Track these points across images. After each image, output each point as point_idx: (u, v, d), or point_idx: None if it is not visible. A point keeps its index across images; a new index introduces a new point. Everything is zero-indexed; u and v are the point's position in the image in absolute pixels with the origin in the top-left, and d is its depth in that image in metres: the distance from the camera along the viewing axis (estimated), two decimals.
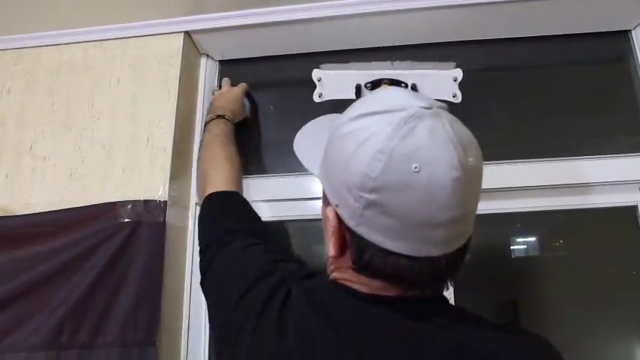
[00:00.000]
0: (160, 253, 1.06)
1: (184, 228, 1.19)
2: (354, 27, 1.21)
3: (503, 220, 1.22)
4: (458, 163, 0.52)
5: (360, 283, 0.60)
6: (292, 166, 1.22)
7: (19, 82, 1.27)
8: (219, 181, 0.95)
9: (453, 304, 1.00)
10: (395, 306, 0.58)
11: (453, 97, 1.10)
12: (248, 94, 1.32)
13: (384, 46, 1.29)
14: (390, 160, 0.52)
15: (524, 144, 1.21)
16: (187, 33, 1.25)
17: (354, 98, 1.12)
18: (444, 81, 1.11)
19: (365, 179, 0.53)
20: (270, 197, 1.24)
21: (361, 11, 1.15)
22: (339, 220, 0.58)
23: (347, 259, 0.60)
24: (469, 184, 0.54)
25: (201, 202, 0.93)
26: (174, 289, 1.13)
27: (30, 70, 1.28)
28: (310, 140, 0.75)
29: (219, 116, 1.12)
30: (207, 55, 1.36)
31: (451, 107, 1.09)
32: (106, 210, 1.09)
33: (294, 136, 0.80)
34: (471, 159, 0.54)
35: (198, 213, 0.92)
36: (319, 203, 0.69)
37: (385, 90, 0.65)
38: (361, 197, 0.54)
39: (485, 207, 1.14)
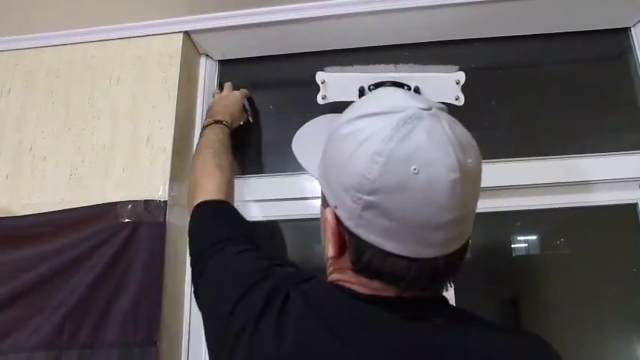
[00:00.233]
0: (161, 253, 1.06)
1: (185, 228, 1.16)
2: (354, 26, 1.21)
3: (504, 218, 1.22)
4: (457, 165, 0.52)
5: (360, 284, 0.59)
6: (293, 165, 1.22)
7: (19, 82, 1.27)
8: (209, 190, 0.93)
9: (454, 303, 1.00)
10: (393, 306, 0.58)
11: (456, 99, 1.10)
12: (249, 98, 1.31)
13: (385, 45, 1.29)
14: (388, 162, 0.52)
15: (525, 142, 1.21)
16: (187, 33, 1.25)
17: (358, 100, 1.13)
18: (446, 84, 1.12)
19: (363, 181, 0.53)
20: (271, 197, 1.24)
21: (361, 10, 1.15)
22: (338, 221, 0.58)
23: (346, 260, 0.60)
24: (468, 185, 0.54)
25: (190, 211, 0.91)
26: (175, 289, 1.13)
27: (30, 71, 1.28)
28: (308, 141, 0.75)
29: (217, 121, 1.11)
30: (207, 55, 1.36)
31: (452, 105, 1.10)
32: (107, 210, 1.09)
33: (294, 136, 0.80)
34: (469, 160, 0.54)
35: (189, 221, 0.90)
36: (319, 202, 0.69)
37: (384, 91, 0.65)
38: (359, 199, 0.54)
39: (485, 205, 1.15)
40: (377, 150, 0.52)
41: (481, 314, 0.63)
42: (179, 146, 1.18)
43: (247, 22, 1.19)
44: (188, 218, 0.91)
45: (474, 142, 0.58)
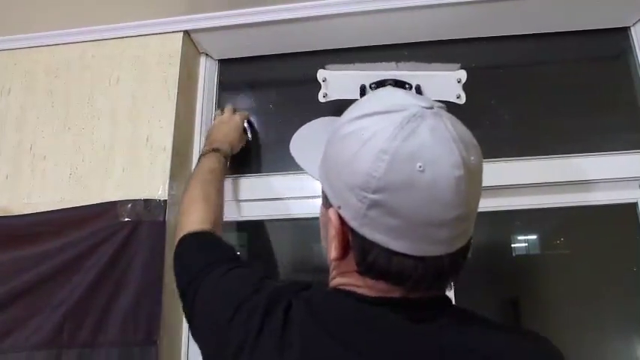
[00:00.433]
0: (161, 252, 1.06)
1: None
2: (355, 25, 1.21)
3: (504, 217, 1.22)
4: (461, 162, 0.52)
5: (366, 287, 0.59)
6: (292, 164, 1.21)
7: (18, 82, 1.27)
8: (193, 223, 0.92)
9: (454, 303, 1.00)
10: (399, 307, 0.57)
11: (457, 98, 1.10)
12: (249, 121, 1.30)
13: (385, 44, 1.29)
14: (393, 159, 0.52)
15: (525, 141, 1.21)
16: (187, 32, 1.25)
17: (359, 99, 1.13)
18: (448, 82, 1.12)
19: (368, 179, 0.53)
20: (270, 196, 1.24)
21: (361, 9, 1.15)
22: (342, 222, 0.58)
23: (350, 262, 0.59)
24: (472, 182, 0.54)
25: (175, 243, 0.90)
26: (175, 288, 1.12)
27: (29, 70, 1.28)
28: (306, 143, 0.75)
29: (214, 149, 1.10)
30: (207, 55, 1.36)
31: (452, 105, 1.10)
32: (106, 209, 1.09)
33: (293, 135, 0.80)
34: (472, 158, 0.55)
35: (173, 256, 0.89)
36: (318, 202, 0.69)
37: (384, 91, 0.65)
38: (365, 197, 0.53)
39: (486, 204, 1.14)
40: (382, 148, 0.52)
41: (482, 314, 0.63)
42: (179, 145, 1.18)
43: (247, 22, 1.19)
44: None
45: (474, 141, 0.58)
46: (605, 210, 1.18)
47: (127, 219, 1.07)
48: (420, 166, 0.51)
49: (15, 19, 1.23)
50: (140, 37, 1.25)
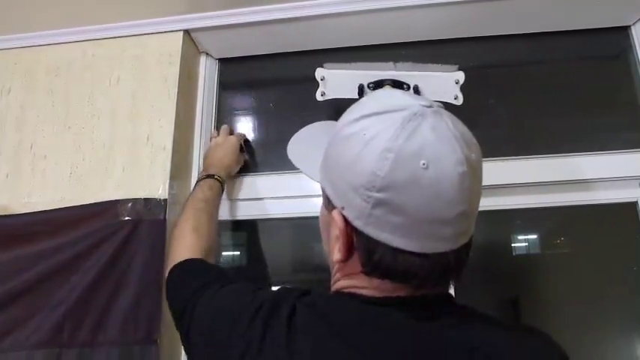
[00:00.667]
0: (161, 251, 1.05)
1: None
2: (354, 24, 1.21)
3: (504, 217, 1.21)
4: (464, 159, 0.53)
5: (372, 288, 0.59)
6: (292, 163, 1.21)
7: (18, 81, 1.27)
8: (181, 255, 0.91)
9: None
10: (405, 306, 0.57)
11: (455, 99, 1.11)
12: (245, 140, 1.29)
13: (385, 43, 1.29)
14: (397, 158, 0.52)
15: (524, 140, 1.21)
16: (187, 31, 1.25)
17: (357, 98, 1.13)
18: (446, 83, 1.12)
19: (373, 178, 0.53)
20: (270, 195, 1.24)
21: (361, 8, 1.15)
22: (346, 223, 0.58)
23: (355, 263, 0.59)
24: (474, 179, 0.55)
25: (166, 274, 0.89)
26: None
27: (29, 70, 1.28)
28: (305, 146, 0.75)
29: (209, 175, 1.10)
30: (207, 54, 1.36)
31: (452, 104, 1.10)
32: (107, 208, 1.09)
33: (294, 134, 0.80)
34: (473, 155, 0.55)
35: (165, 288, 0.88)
36: (317, 200, 0.69)
37: (383, 91, 0.65)
38: (369, 197, 0.54)
39: (486, 204, 1.14)
40: (386, 147, 0.53)
41: (483, 311, 0.63)
42: (179, 145, 1.18)
43: (247, 20, 1.20)
44: None
45: (474, 139, 0.58)
46: (605, 209, 1.18)
47: (127, 218, 1.08)
48: (424, 164, 0.52)
49: (15, 19, 1.23)
50: (140, 37, 1.25)
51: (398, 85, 1.12)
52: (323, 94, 1.17)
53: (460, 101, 1.10)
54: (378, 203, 0.53)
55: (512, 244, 1.23)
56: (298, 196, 1.22)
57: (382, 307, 0.58)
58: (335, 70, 1.16)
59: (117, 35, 1.26)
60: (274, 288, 0.70)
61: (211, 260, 0.96)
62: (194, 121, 1.30)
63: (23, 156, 1.20)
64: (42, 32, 1.28)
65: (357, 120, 0.58)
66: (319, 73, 1.16)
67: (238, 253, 1.29)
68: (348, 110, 0.62)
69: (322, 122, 0.81)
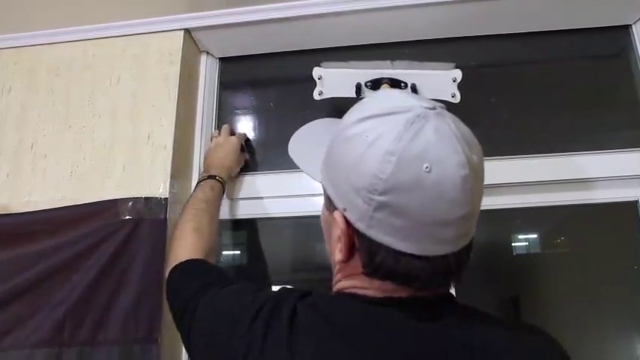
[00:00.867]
0: (161, 250, 1.05)
1: None
2: (355, 24, 1.21)
3: (504, 216, 1.21)
4: (466, 161, 0.53)
5: (373, 288, 0.59)
6: (293, 162, 1.21)
7: (19, 80, 1.27)
8: (182, 255, 0.91)
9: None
10: (406, 307, 0.57)
11: (452, 97, 1.11)
12: (247, 139, 1.29)
13: (385, 42, 1.29)
14: (400, 160, 0.52)
15: (524, 139, 1.21)
16: (187, 30, 1.25)
17: (354, 97, 1.13)
18: (443, 81, 1.12)
19: (375, 181, 0.53)
20: (270, 194, 1.24)
21: (361, 7, 1.15)
22: (347, 224, 0.58)
23: (356, 264, 0.59)
24: (476, 180, 0.55)
25: (167, 275, 0.89)
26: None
27: (30, 69, 1.28)
28: (306, 145, 0.75)
29: (210, 176, 1.10)
30: (208, 53, 1.36)
31: (452, 103, 1.10)
32: (107, 207, 1.09)
33: (294, 133, 0.80)
34: (475, 157, 0.55)
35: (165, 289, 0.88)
36: (318, 200, 0.68)
37: (385, 92, 0.64)
38: (371, 199, 0.53)
39: (486, 203, 1.14)
40: (388, 149, 0.52)
41: (484, 310, 0.63)
42: (180, 144, 1.18)
43: (248, 20, 1.20)
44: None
45: (476, 140, 0.58)
46: (605, 208, 1.18)
47: (127, 217, 1.08)
48: (427, 167, 0.52)
49: (16, 18, 1.23)
50: (141, 36, 1.25)
51: (395, 83, 1.12)
52: (320, 94, 1.17)
53: (457, 99, 1.10)
54: (380, 206, 0.53)
55: (513, 244, 1.23)
56: (299, 195, 1.22)
57: (383, 307, 0.58)
58: (332, 69, 1.16)
59: (117, 34, 1.26)
60: (275, 288, 0.69)
61: (212, 261, 0.96)
62: (195, 120, 1.30)
63: (24, 155, 1.20)
64: (42, 32, 1.28)
65: (359, 121, 0.57)
66: (316, 72, 1.16)
67: (239, 252, 1.30)
68: (350, 111, 0.62)
69: (323, 119, 0.81)
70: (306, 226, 1.27)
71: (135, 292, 1.03)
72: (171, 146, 1.15)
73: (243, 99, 1.38)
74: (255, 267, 1.26)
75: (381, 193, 0.53)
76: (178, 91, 1.19)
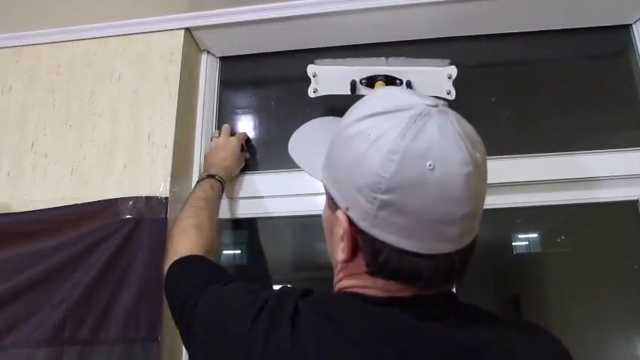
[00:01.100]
0: (162, 249, 1.05)
1: None
2: (355, 23, 1.21)
3: (505, 215, 1.21)
4: (469, 159, 0.53)
5: (376, 288, 0.58)
6: (293, 162, 1.21)
7: (19, 79, 1.27)
8: (182, 250, 0.90)
9: None
10: (410, 306, 0.57)
11: (447, 94, 1.11)
12: (247, 140, 1.29)
13: (384, 41, 1.29)
14: (403, 159, 0.52)
15: (525, 139, 1.21)
16: (188, 29, 1.25)
17: (349, 94, 1.13)
18: (438, 78, 1.12)
19: (378, 179, 0.52)
20: (270, 193, 1.24)
21: (361, 7, 1.15)
22: (350, 223, 0.57)
23: (359, 264, 0.59)
24: (479, 179, 0.54)
25: (166, 269, 0.88)
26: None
27: (31, 68, 1.28)
28: (306, 144, 0.74)
29: (210, 175, 1.10)
30: (208, 52, 1.36)
31: (453, 102, 1.11)
32: (108, 207, 1.09)
33: (294, 132, 0.79)
34: (478, 154, 0.55)
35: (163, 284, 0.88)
36: (318, 199, 0.68)
37: (386, 90, 0.64)
38: (374, 198, 0.53)
39: (486, 202, 1.14)
40: (391, 148, 0.52)
41: (487, 309, 0.63)
42: (180, 143, 1.18)
43: (249, 19, 1.20)
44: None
45: (479, 137, 0.58)
46: (606, 207, 1.18)
47: (128, 216, 1.08)
48: (430, 165, 0.51)
49: (17, 17, 1.23)
50: (141, 35, 1.25)
51: (390, 80, 1.12)
52: (315, 91, 1.17)
53: (453, 96, 1.10)
54: (384, 204, 0.53)
55: (513, 243, 1.23)
56: (299, 195, 1.22)
57: (386, 307, 0.57)
58: (327, 67, 1.16)
59: (118, 33, 1.26)
60: (276, 287, 0.69)
61: (212, 257, 0.96)
62: (195, 119, 1.30)
63: (24, 154, 1.20)
64: (43, 31, 1.28)
65: (361, 119, 0.57)
66: (311, 69, 1.16)
67: (239, 251, 1.30)
68: (352, 109, 0.62)
69: (323, 118, 0.80)
70: (307, 225, 1.27)
71: (135, 291, 1.03)
72: (172, 145, 1.15)
73: (243, 98, 1.38)
74: (255, 266, 1.26)
75: (384, 192, 0.52)
76: (179, 91, 1.19)
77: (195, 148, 1.27)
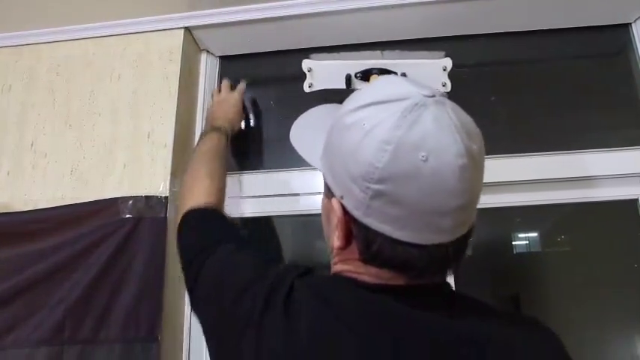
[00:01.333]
0: (162, 248, 1.06)
1: None
2: (355, 22, 1.21)
3: (505, 215, 1.22)
4: (464, 151, 0.52)
5: (368, 274, 0.59)
6: (293, 161, 1.22)
7: (19, 79, 1.27)
8: (198, 198, 0.92)
9: None
10: (403, 295, 0.57)
11: (443, 86, 1.11)
12: (254, 101, 1.30)
13: (383, 41, 1.29)
14: (396, 149, 0.52)
15: (525, 138, 1.21)
16: (187, 29, 1.25)
17: (345, 88, 1.13)
18: (433, 70, 1.12)
19: (371, 169, 0.53)
20: (270, 193, 1.24)
21: (361, 6, 1.15)
22: (345, 211, 0.58)
23: (353, 251, 0.59)
24: (475, 170, 0.54)
25: (179, 218, 0.89)
26: (176, 284, 1.13)
27: (30, 68, 1.28)
28: (307, 132, 0.74)
29: (214, 128, 1.10)
30: (208, 51, 1.36)
31: (452, 101, 1.11)
32: (107, 206, 1.09)
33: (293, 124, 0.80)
34: (475, 146, 0.54)
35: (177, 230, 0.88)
36: (319, 199, 0.68)
37: (385, 79, 0.64)
38: (368, 188, 0.53)
39: (486, 201, 1.14)
40: (385, 138, 0.52)
41: (482, 300, 0.64)
42: (180, 142, 1.18)
43: (248, 18, 1.20)
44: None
45: (477, 128, 0.58)
46: (605, 206, 1.18)
47: (128, 216, 1.08)
48: (424, 156, 0.51)
49: (16, 17, 1.23)
50: (141, 34, 1.25)
51: (385, 74, 1.12)
52: (310, 86, 1.17)
53: (448, 88, 1.10)
54: (377, 194, 0.53)
55: (513, 242, 1.23)
56: (299, 194, 1.22)
57: (378, 294, 0.58)
58: (322, 61, 1.16)
59: (118, 33, 1.26)
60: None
61: (222, 208, 0.97)
62: (195, 118, 1.30)
63: (24, 154, 1.20)
64: (42, 30, 1.28)
65: (357, 109, 0.57)
66: (306, 64, 1.16)
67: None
68: (349, 98, 0.62)
69: (326, 105, 0.80)
70: (307, 224, 1.27)
71: (135, 290, 1.03)
72: (172, 144, 1.15)
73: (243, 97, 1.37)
74: None
75: (377, 182, 0.53)
76: (178, 90, 1.19)
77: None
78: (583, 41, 1.27)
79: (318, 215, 0.70)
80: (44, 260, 1.06)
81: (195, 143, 1.27)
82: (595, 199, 1.16)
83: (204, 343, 1.15)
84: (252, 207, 1.25)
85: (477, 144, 0.55)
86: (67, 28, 1.27)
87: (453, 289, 0.64)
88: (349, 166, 0.55)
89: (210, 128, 1.11)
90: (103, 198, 1.11)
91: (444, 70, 1.10)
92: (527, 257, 1.24)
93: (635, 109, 1.21)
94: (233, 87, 1.26)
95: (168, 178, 1.12)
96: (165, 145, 1.15)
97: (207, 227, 0.85)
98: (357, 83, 1.13)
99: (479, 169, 0.56)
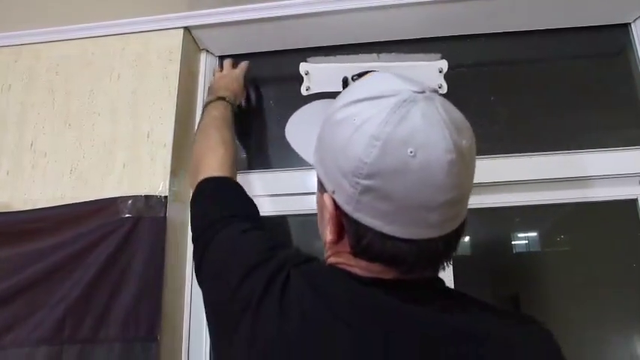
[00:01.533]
0: (161, 248, 1.06)
1: (185, 223, 1.19)
2: (354, 22, 1.21)
3: (504, 214, 1.22)
4: (453, 146, 0.53)
5: (359, 267, 0.60)
6: (293, 160, 1.22)
7: (19, 78, 1.27)
8: (213, 167, 0.92)
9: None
10: (394, 289, 0.58)
11: (439, 88, 1.11)
12: (256, 87, 1.32)
13: (381, 41, 1.29)
14: (385, 145, 0.52)
15: (524, 137, 1.21)
16: (187, 28, 1.25)
17: (342, 91, 1.13)
18: (429, 72, 1.12)
19: (360, 165, 0.53)
20: (272, 192, 1.24)
21: (360, 6, 1.15)
22: (336, 206, 0.59)
23: (345, 244, 0.60)
24: (464, 166, 0.54)
25: (193, 186, 0.90)
26: (176, 284, 1.13)
27: (30, 67, 1.28)
28: (302, 128, 0.75)
29: (219, 98, 1.10)
30: (207, 51, 1.37)
31: (452, 101, 1.11)
32: (107, 205, 1.09)
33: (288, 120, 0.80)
34: (464, 141, 0.55)
35: (190, 198, 0.89)
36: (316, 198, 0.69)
37: (376, 75, 0.65)
38: (357, 183, 0.54)
39: (485, 201, 1.15)
40: (374, 134, 0.53)
41: (474, 296, 0.64)
42: (179, 142, 1.18)
43: (248, 18, 1.20)
44: (189, 213, 0.90)
45: (467, 123, 0.58)
46: (605, 206, 1.18)
47: (127, 215, 1.08)
48: (412, 151, 0.52)
49: (16, 16, 1.23)
50: (141, 34, 1.25)
51: None
52: (308, 89, 1.17)
53: (444, 90, 1.10)
54: (366, 190, 0.54)
55: (512, 242, 1.23)
56: (299, 194, 1.22)
57: (369, 287, 0.59)
58: (319, 64, 1.16)
59: (117, 32, 1.26)
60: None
61: (235, 177, 0.97)
62: (194, 118, 1.30)
63: (24, 153, 1.20)
64: (42, 30, 1.27)
65: (348, 105, 0.58)
66: (303, 67, 1.16)
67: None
68: (342, 94, 0.63)
69: (321, 100, 0.81)
70: (304, 224, 1.27)
71: (135, 290, 1.03)
72: (171, 144, 1.15)
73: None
74: None
75: (366, 177, 0.53)
76: (178, 89, 1.19)
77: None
78: (582, 41, 1.27)
79: (313, 215, 0.70)
80: (44, 260, 1.06)
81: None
82: (594, 199, 1.16)
83: (204, 342, 1.17)
84: (261, 206, 1.24)
85: (467, 140, 0.56)
86: (66, 27, 1.27)
87: (447, 285, 0.64)
88: (340, 161, 0.56)
89: (214, 97, 1.10)
90: (103, 197, 1.11)
91: (440, 71, 1.11)
92: (526, 257, 1.24)
93: (635, 109, 1.22)
94: (235, 66, 1.27)
95: (168, 177, 1.12)
96: (165, 145, 1.15)
97: (223, 197, 0.86)
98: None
99: (468, 165, 0.56)
